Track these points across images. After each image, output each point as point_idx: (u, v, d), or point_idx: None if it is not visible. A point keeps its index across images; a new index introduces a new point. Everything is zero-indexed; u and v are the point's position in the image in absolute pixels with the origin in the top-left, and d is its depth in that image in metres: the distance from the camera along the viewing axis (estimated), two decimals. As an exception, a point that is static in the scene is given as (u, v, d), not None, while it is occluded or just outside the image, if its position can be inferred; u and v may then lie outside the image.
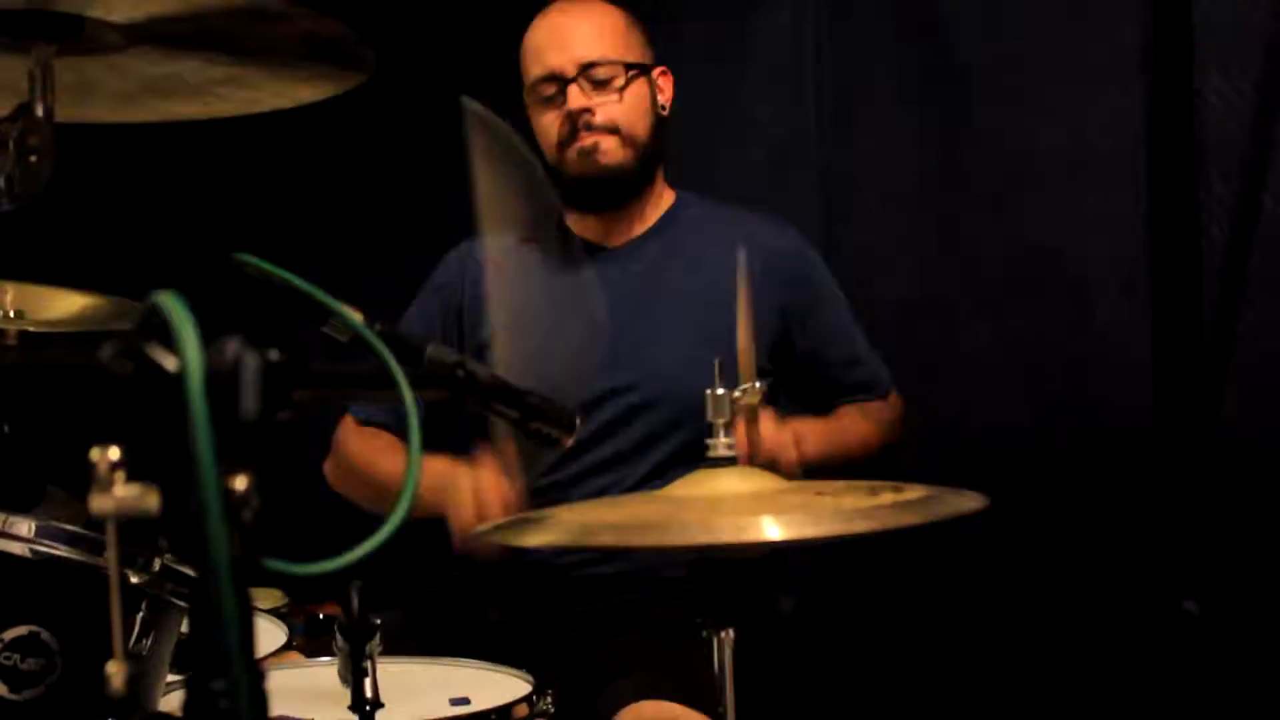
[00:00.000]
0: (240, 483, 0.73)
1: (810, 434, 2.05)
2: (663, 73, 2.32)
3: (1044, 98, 2.62)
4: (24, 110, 1.32)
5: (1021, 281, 2.65)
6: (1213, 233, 2.27)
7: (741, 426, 1.79)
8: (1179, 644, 2.34)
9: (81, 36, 1.36)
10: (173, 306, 0.70)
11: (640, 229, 2.33)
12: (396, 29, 3.11)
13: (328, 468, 2.37)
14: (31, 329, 2.64)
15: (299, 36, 1.42)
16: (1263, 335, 2.34)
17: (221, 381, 0.69)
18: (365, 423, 2.30)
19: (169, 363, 0.69)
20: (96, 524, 1.79)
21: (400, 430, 2.25)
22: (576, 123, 2.20)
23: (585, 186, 2.25)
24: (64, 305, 2.75)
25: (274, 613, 2.32)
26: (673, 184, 2.38)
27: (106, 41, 1.38)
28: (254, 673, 0.69)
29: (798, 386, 2.29)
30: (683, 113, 2.37)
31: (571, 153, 2.22)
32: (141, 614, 1.63)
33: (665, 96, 2.32)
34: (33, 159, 1.32)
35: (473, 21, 3.14)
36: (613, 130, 2.22)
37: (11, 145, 1.30)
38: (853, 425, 2.24)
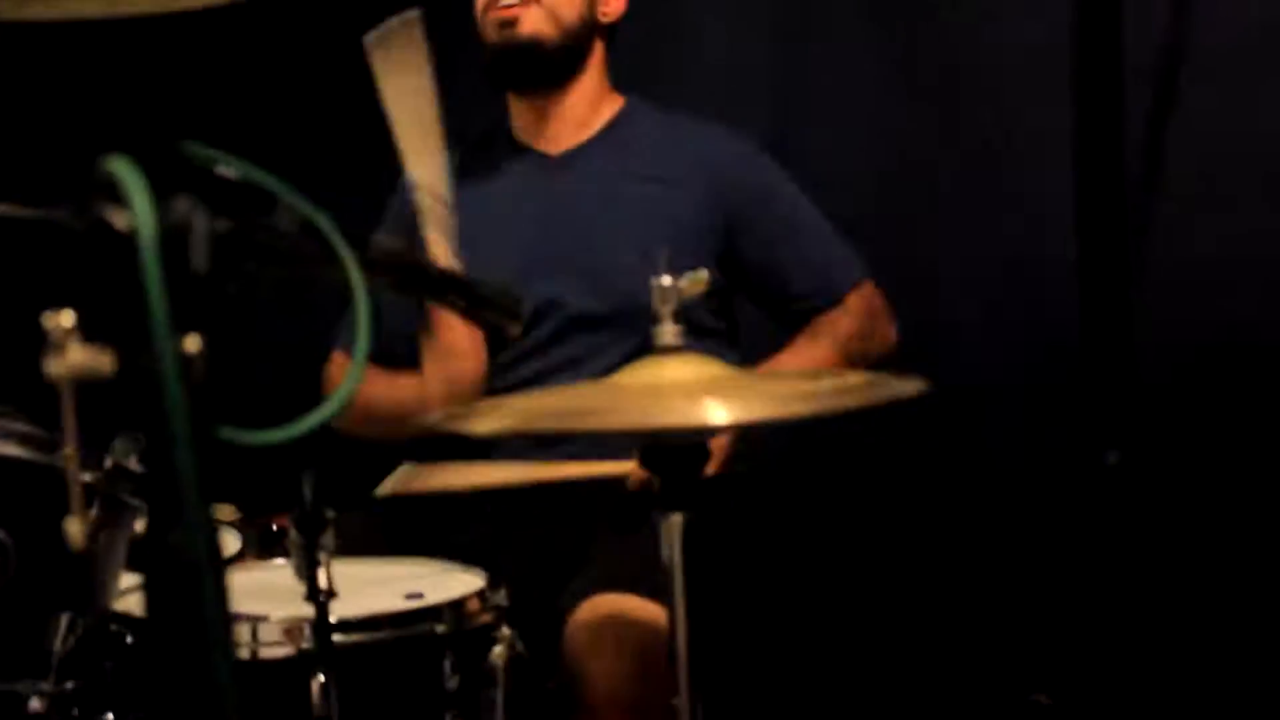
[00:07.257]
0: (192, 343, 0.74)
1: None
2: None
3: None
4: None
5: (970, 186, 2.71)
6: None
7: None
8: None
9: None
10: (124, 168, 0.71)
11: (585, 134, 2.30)
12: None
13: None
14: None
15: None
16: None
17: (173, 240, 0.71)
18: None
19: (121, 220, 0.70)
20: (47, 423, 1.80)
21: (384, 359, 2.20)
22: None
23: (504, 60, 2.22)
24: None
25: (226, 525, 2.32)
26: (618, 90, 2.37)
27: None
28: (209, 524, 0.71)
29: (756, 296, 2.28)
30: (630, 29, 2.34)
31: (490, 21, 2.19)
32: (95, 511, 1.65)
33: (609, 7, 2.28)
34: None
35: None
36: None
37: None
38: (791, 361, 2.11)
